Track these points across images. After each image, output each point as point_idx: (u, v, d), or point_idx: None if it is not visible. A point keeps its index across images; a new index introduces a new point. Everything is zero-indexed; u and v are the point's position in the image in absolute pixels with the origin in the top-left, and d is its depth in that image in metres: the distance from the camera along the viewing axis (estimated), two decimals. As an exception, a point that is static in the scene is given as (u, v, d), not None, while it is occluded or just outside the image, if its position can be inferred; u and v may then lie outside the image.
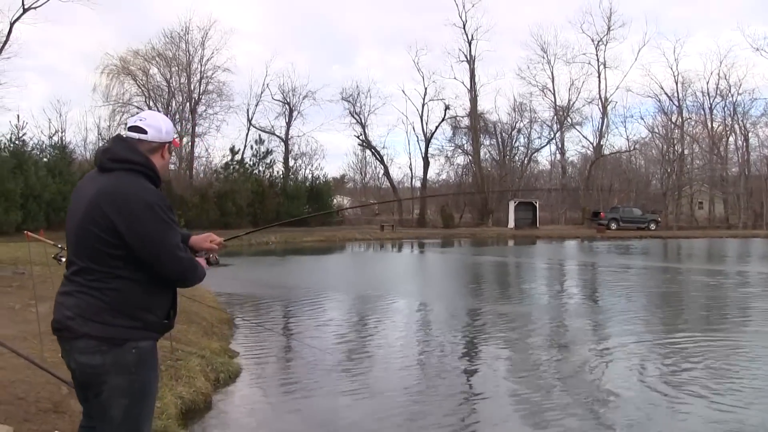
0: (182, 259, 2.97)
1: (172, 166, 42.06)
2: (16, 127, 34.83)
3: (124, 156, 2.99)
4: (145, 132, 3.06)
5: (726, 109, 61.99)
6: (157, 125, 3.10)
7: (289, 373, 8.06)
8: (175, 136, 3.25)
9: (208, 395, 6.49)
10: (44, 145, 38.76)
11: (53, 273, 10.66)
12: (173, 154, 3.48)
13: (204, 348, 7.80)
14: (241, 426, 6.14)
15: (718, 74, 61.97)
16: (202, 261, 3.25)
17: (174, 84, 50.60)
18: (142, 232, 2.85)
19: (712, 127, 63.45)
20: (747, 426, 5.96)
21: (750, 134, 62.27)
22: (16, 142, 34.70)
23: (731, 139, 63.83)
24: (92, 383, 2.95)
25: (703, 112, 63.09)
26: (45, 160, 36.95)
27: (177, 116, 48.82)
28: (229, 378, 7.28)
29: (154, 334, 3.04)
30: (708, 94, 61.57)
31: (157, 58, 50.09)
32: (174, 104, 50.22)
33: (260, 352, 9.14)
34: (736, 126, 62.30)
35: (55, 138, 39.98)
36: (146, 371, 2.98)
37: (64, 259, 13.01)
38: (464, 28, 59.17)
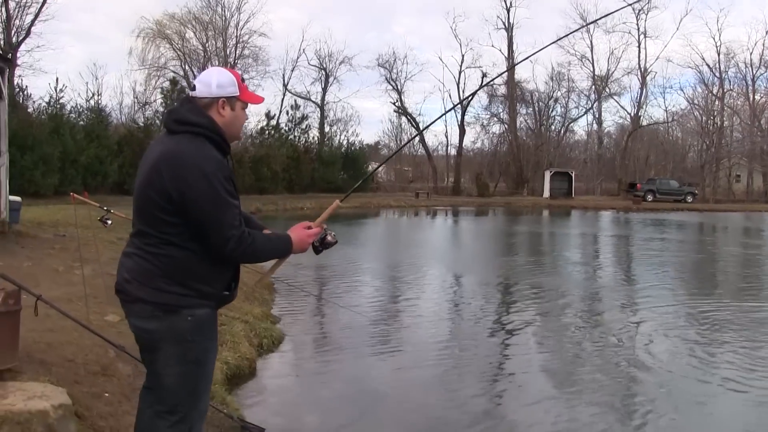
0: (229, 238, 2.74)
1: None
2: (55, 90, 34.94)
3: (186, 118, 2.84)
4: (194, 89, 2.92)
5: (770, 80, 60.67)
6: (206, 79, 2.92)
7: (330, 338, 8.05)
8: (232, 91, 2.90)
9: (252, 361, 6.47)
10: (81, 109, 38.90)
11: (96, 236, 10.75)
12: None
13: (247, 313, 7.77)
14: (286, 391, 6.12)
15: (763, 44, 60.71)
16: (305, 233, 3.04)
17: (210, 48, 50.74)
18: (192, 201, 2.70)
19: (753, 98, 62.28)
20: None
21: (794, 106, 61.00)
22: (55, 105, 34.83)
23: (773, 111, 62.58)
24: (148, 348, 2.90)
25: (745, 84, 61.91)
26: (82, 123, 37.07)
27: (213, 81, 48.85)
28: (272, 344, 7.27)
29: (211, 303, 2.91)
30: (751, 65, 60.33)
31: (193, 22, 50.21)
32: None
33: (301, 318, 9.16)
34: (780, 97, 61.00)
35: (92, 102, 40.17)
36: (203, 340, 2.88)
37: (110, 222, 13.07)
38: (502, -6, 58.40)
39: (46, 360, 4.90)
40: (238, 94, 2.94)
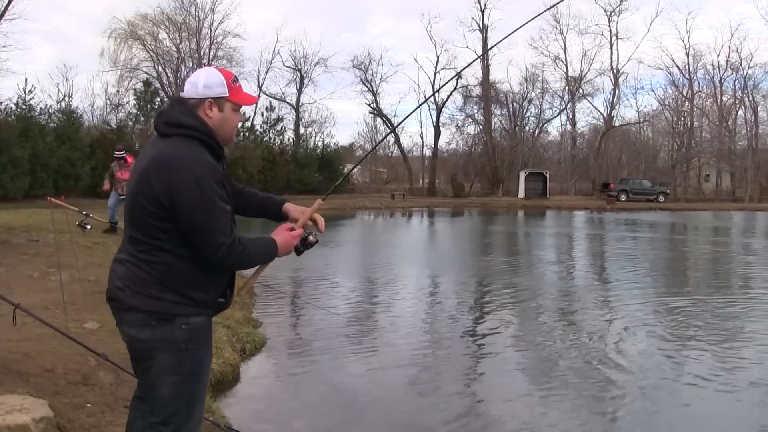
0: (220, 245, 2.64)
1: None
2: (24, 91, 34.41)
3: (178, 120, 2.73)
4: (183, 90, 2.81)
5: (737, 82, 61.84)
6: (193, 79, 2.79)
7: (311, 341, 7.93)
8: (221, 92, 2.77)
9: (236, 366, 6.36)
10: (52, 110, 38.31)
11: (72, 240, 10.57)
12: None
13: (228, 318, 7.63)
14: (271, 396, 6.03)
15: (729, 47, 61.73)
16: (289, 235, 2.98)
17: (183, 49, 50.40)
18: (182, 206, 2.59)
19: (721, 100, 63.27)
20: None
21: (759, 108, 62.20)
22: (23, 107, 34.27)
23: (740, 112, 63.94)
24: (141, 358, 2.80)
25: (713, 85, 62.85)
26: (53, 125, 36.53)
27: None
28: (254, 348, 7.16)
29: (207, 311, 2.82)
30: (719, 67, 61.31)
31: (166, 23, 49.78)
32: (183, 70, 49.96)
33: (282, 321, 9.07)
34: (746, 99, 62.26)
35: (63, 103, 39.61)
36: (198, 349, 2.78)
37: (89, 227, 12.92)
38: (477, -5, 58.56)
39: (24, 371, 4.78)
40: (227, 94, 2.81)
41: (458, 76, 52.94)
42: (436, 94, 59.25)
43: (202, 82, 2.78)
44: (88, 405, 4.52)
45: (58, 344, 5.41)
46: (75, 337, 4.93)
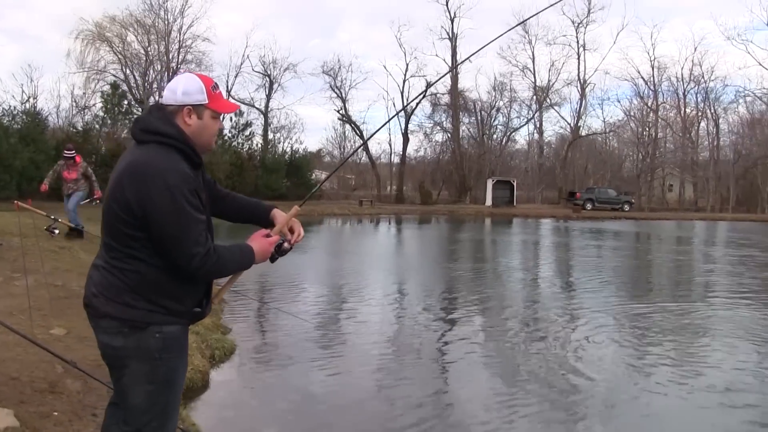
0: (194, 255, 2.59)
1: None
2: (-15, 91, 33.92)
3: (155, 127, 2.68)
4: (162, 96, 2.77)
5: (699, 94, 63.22)
6: (172, 86, 2.75)
7: (281, 347, 7.89)
8: (200, 99, 2.73)
9: (205, 373, 6.30)
10: (16, 111, 37.78)
11: (37, 245, 10.41)
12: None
13: (197, 324, 7.56)
14: (241, 404, 5.96)
15: (692, 61, 63.04)
16: (266, 242, 2.95)
17: (152, 52, 49.85)
18: (154, 215, 2.55)
19: (685, 112, 64.56)
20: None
21: (720, 120, 63.55)
22: (-15, 107, 33.77)
23: (702, 124, 65.22)
24: (115, 365, 2.76)
25: (676, 97, 64.08)
26: (17, 126, 36.00)
27: (155, 85, 48.18)
28: (224, 355, 7.09)
29: (181, 320, 2.77)
30: (682, 79, 62.58)
31: (134, 25, 49.20)
32: (152, 73, 49.57)
33: (251, 327, 9.04)
34: (708, 111, 63.63)
35: (27, 105, 39.08)
36: (171, 358, 2.74)
37: (57, 231, 12.71)
38: (447, 5, 59.09)
39: (-12, 378, 4.69)
40: (207, 102, 2.76)
41: (426, 91, 53.32)
42: (405, 102, 59.42)
43: (181, 89, 2.74)
44: (55, 413, 4.44)
45: (23, 351, 5.32)
46: (42, 343, 4.86)
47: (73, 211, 14.30)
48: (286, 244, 3.03)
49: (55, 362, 5.03)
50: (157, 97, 46.33)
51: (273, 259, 3.02)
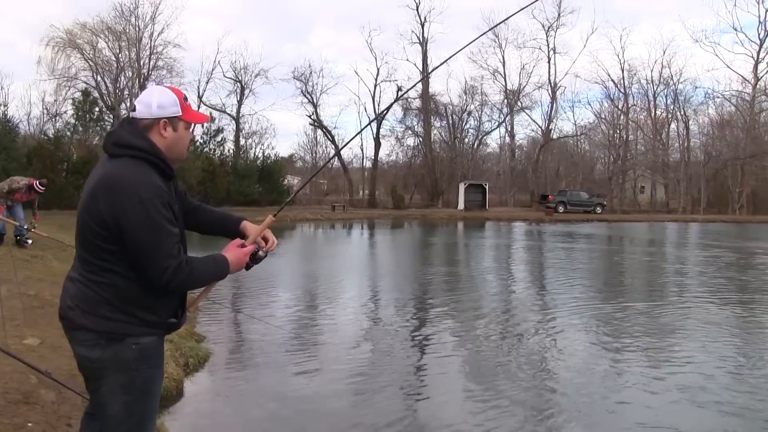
0: (166, 268, 2.62)
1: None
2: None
3: (126, 140, 2.73)
4: (134, 109, 2.81)
5: (668, 96, 63.94)
6: (146, 100, 2.79)
7: (255, 355, 7.91)
8: (174, 111, 2.80)
9: (179, 381, 6.31)
10: (-14, 119, 37.59)
11: (9, 254, 10.34)
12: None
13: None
14: (216, 413, 5.99)
15: (662, 63, 63.70)
16: (241, 252, 2.99)
17: (123, 59, 49.54)
18: (127, 228, 2.59)
19: (655, 114, 65.26)
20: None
21: (690, 122, 64.31)
22: (-44, 115, 33.49)
23: (673, 125, 65.94)
24: (92, 377, 2.79)
25: (647, 99, 64.80)
26: (-13, 135, 35.77)
27: (126, 92, 47.87)
28: (198, 363, 7.11)
29: (157, 331, 2.82)
30: (652, 81, 63.33)
31: (105, 32, 48.83)
32: (123, 80, 49.28)
33: (225, 335, 9.02)
34: (678, 113, 64.42)
35: (-1, 113, 38.81)
36: (148, 368, 2.78)
37: (30, 242, 12.59)
38: (417, 9, 59.34)
39: (-39, 390, 4.68)
40: (181, 114, 2.84)
41: (398, 98, 53.47)
42: (377, 107, 59.50)
43: (156, 102, 2.79)
44: (29, 424, 4.45)
45: (-5, 362, 5.31)
46: (16, 354, 4.87)
47: (23, 218, 13.60)
48: (261, 253, 3.08)
49: (29, 373, 5.03)
50: (128, 104, 46.02)
51: (248, 267, 3.07)
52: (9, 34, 75.52)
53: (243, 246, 3.03)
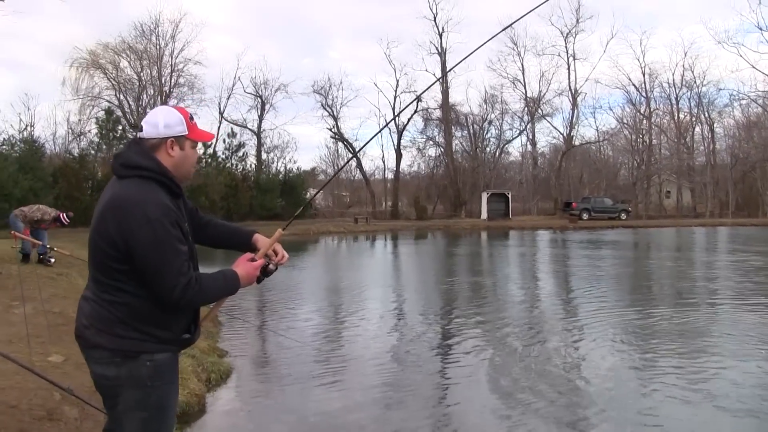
0: (175, 285, 2.67)
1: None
2: (-15, 122, 34.10)
3: (133, 161, 2.79)
4: (141, 129, 2.87)
5: (692, 99, 63.37)
6: (153, 120, 2.86)
7: (277, 370, 7.94)
8: (181, 130, 2.87)
9: (201, 397, 6.37)
10: (14, 140, 38.06)
11: (35, 272, 10.48)
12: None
13: (193, 347, 7.63)
14: (237, 428, 6.02)
15: (683, 66, 63.32)
16: (250, 267, 3.02)
17: (145, 77, 50.18)
18: (136, 247, 2.65)
19: (678, 117, 64.68)
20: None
21: (715, 124, 63.62)
22: (-14, 138, 33.98)
23: (697, 129, 65.32)
24: (108, 394, 2.85)
25: (669, 103, 64.26)
26: (15, 155, 36.19)
27: (148, 110, 48.29)
28: (220, 378, 7.16)
29: (171, 347, 2.88)
30: (674, 85, 62.87)
31: (127, 51, 49.57)
32: (145, 97, 49.80)
33: (248, 350, 9.02)
34: (702, 116, 63.67)
35: (25, 133, 39.31)
36: (163, 384, 2.84)
37: (53, 260, 12.76)
38: (435, 20, 59.38)
39: (-13, 408, 4.76)
40: (187, 133, 2.90)
41: (418, 99, 53.51)
42: (397, 118, 59.54)
43: (163, 122, 2.86)
44: (54, 440, 4.52)
45: (22, 379, 5.38)
46: (38, 371, 4.93)
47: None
48: (271, 266, 3.13)
49: (53, 390, 5.10)
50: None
51: (259, 281, 3.11)
52: (35, 56, 76.71)
53: (253, 260, 3.07)
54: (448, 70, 57.21)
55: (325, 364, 8.14)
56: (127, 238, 2.65)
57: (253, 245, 3.23)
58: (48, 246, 11.97)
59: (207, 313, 3.22)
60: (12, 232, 7.80)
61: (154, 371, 2.79)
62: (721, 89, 68.95)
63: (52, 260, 13.17)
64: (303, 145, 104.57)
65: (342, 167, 59.82)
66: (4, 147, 35.99)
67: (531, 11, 4.07)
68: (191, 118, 2.96)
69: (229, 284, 2.95)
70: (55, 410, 5.02)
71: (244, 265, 3.03)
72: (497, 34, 3.84)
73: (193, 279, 2.74)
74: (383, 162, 65.29)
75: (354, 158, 60.20)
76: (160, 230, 2.67)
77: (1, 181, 31.19)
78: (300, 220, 45.75)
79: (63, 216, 13.87)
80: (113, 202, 2.73)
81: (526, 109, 63.18)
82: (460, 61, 4.26)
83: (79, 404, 4.93)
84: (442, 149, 62.27)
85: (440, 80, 56.21)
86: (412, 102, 49.43)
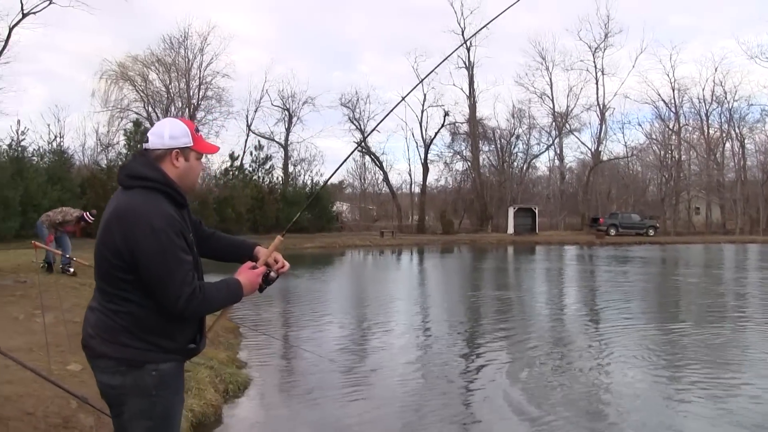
0: (179, 295, 2.68)
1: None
2: (17, 133, 34.58)
3: (138, 172, 2.82)
4: (147, 140, 2.90)
5: (722, 115, 62.66)
6: (158, 131, 2.89)
7: (296, 382, 7.92)
8: (186, 142, 2.89)
9: (218, 407, 6.38)
10: (44, 151, 38.61)
11: (57, 281, 10.58)
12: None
13: (211, 358, 7.66)
14: (252, 439, 6.03)
15: (714, 81, 62.61)
16: (252, 274, 3.03)
17: (173, 90, 50.75)
18: (141, 257, 2.66)
19: (708, 133, 63.98)
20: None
21: (746, 140, 62.82)
22: (17, 148, 34.41)
23: (728, 145, 64.50)
24: (113, 403, 2.86)
25: (699, 119, 63.62)
26: (44, 166, 36.69)
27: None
28: (238, 389, 7.16)
29: (177, 356, 2.88)
30: (704, 100, 62.17)
31: (156, 64, 50.23)
32: (173, 110, 50.27)
33: (267, 362, 9.02)
34: (733, 132, 62.96)
35: (54, 144, 39.86)
36: (168, 394, 2.84)
37: (72, 270, 12.85)
38: (463, 34, 59.21)
39: (4, 415, 4.80)
40: (192, 144, 2.93)
41: (444, 121, 53.40)
42: (424, 132, 59.57)
43: (168, 133, 2.89)
44: (68, 448, 4.54)
45: (39, 387, 5.42)
46: (54, 380, 4.96)
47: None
48: (272, 274, 3.14)
49: (70, 398, 5.13)
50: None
51: (261, 290, 3.11)
52: (66, 67, 77.88)
53: (254, 268, 3.08)
54: (469, 37, 57.21)
55: (346, 376, 8.09)
56: (132, 248, 2.67)
57: (255, 257, 3.23)
58: (68, 255, 12.07)
59: (213, 322, 3.23)
60: (33, 242, 7.85)
61: (159, 381, 2.79)
62: (752, 105, 67.92)
63: (71, 269, 13.28)
64: (330, 159, 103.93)
65: (347, 156, 60.16)
66: (33, 158, 36.46)
67: None
68: (197, 130, 2.99)
69: (233, 292, 2.95)
70: (70, 418, 5.05)
71: (246, 273, 3.04)
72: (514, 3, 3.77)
73: (197, 288, 2.75)
74: (410, 176, 65.29)
75: (379, 170, 60.16)
76: (164, 240, 2.68)
77: (31, 191, 31.62)
78: (326, 233, 45.92)
79: (87, 215, 13.97)
80: (118, 212, 2.75)
81: (553, 123, 62.95)
82: (485, 26, 4.19)
83: (95, 412, 4.95)
84: (469, 163, 62.18)
85: (470, 100, 56.04)
86: (429, 73, 49.17)
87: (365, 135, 59.63)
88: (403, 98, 4.73)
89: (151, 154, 2.89)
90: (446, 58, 4.36)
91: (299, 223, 46.37)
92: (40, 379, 5.09)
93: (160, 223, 2.69)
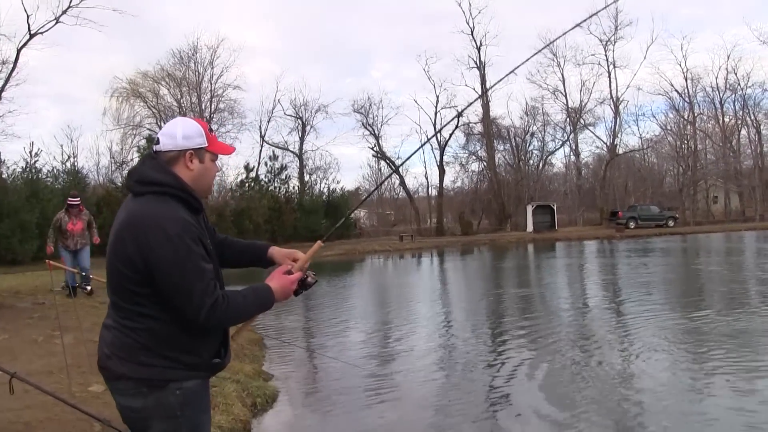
0: (202, 306, 2.46)
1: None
2: (30, 155, 34.63)
3: (149, 177, 2.59)
4: (158, 142, 2.67)
5: (737, 102, 62.27)
6: (171, 131, 2.66)
7: (324, 393, 7.70)
8: (200, 142, 2.67)
9: (246, 422, 6.16)
10: (58, 172, 38.72)
11: (76, 302, 10.42)
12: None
13: (237, 372, 7.46)
14: (284, 455, 5.81)
15: (726, 69, 62.06)
16: (286, 280, 2.80)
17: (185, 104, 50.88)
18: (157, 267, 2.43)
19: (723, 121, 63.59)
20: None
21: (762, 126, 62.30)
22: (31, 170, 34.48)
23: (743, 132, 64.22)
24: (136, 427, 2.63)
25: (713, 107, 63.15)
26: (59, 187, 36.74)
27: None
28: (266, 402, 6.96)
29: (201, 373, 2.65)
30: (717, 88, 61.79)
31: (166, 79, 50.45)
32: (185, 125, 50.38)
33: (294, 373, 8.79)
34: (748, 119, 62.63)
35: (68, 164, 39.94)
36: (195, 413, 2.61)
37: (89, 288, 12.65)
38: (472, 34, 59.22)
39: (26, 441, 4.60)
40: (207, 145, 2.70)
41: (459, 115, 53.32)
42: (438, 135, 59.39)
43: (181, 133, 2.66)
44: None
45: (60, 411, 5.25)
46: (74, 403, 4.75)
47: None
48: (310, 279, 2.91)
49: (92, 421, 4.93)
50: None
51: (297, 293, 2.89)
52: (77, 88, 78.40)
53: (289, 272, 2.84)
54: (489, 87, 57.16)
55: (374, 383, 7.89)
56: (146, 257, 2.44)
57: (270, 258, 3.03)
58: (84, 273, 11.85)
59: (235, 331, 2.99)
60: (47, 261, 7.68)
61: (184, 400, 2.57)
62: (766, 90, 67.26)
63: (88, 287, 13.01)
64: (345, 166, 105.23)
65: (381, 183, 60.13)
66: (48, 179, 36.50)
67: (575, 27, 3.77)
68: (211, 131, 2.76)
69: (261, 299, 2.72)
70: (93, 442, 4.84)
71: (279, 278, 2.80)
72: (541, 50, 3.58)
73: (220, 298, 2.52)
74: (426, 179, 65.30)
75: (397, 176, 60.03)
76: (181, 247, 2.45)
77: (47, 213, 31.54)
78: (345, 239, 45.77)
79: (68, 200, 13.50)
80: (129, 220, 2.53)
81: (567, 119, 62.72)
82: (503, 78, 4.03)
83: (119, 435, 4.75)
84: (485, 163, 62.02)
85: (481, 96, 56.01)
86: (452, 119, 49.22)
87: (396, 167, 59.57)
88: (437, 132, 4.49)
89: (163, 156, 2.66)
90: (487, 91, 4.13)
91: (317, 230, 46.28)
92: (60, 402, 4.89)
93: (176, 229, 2.46)
